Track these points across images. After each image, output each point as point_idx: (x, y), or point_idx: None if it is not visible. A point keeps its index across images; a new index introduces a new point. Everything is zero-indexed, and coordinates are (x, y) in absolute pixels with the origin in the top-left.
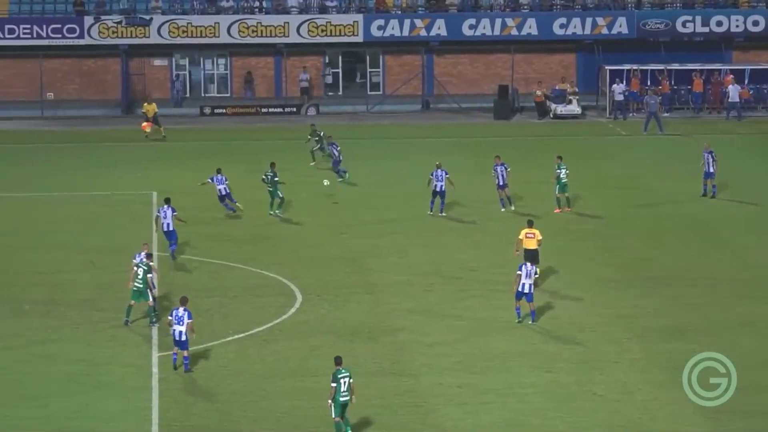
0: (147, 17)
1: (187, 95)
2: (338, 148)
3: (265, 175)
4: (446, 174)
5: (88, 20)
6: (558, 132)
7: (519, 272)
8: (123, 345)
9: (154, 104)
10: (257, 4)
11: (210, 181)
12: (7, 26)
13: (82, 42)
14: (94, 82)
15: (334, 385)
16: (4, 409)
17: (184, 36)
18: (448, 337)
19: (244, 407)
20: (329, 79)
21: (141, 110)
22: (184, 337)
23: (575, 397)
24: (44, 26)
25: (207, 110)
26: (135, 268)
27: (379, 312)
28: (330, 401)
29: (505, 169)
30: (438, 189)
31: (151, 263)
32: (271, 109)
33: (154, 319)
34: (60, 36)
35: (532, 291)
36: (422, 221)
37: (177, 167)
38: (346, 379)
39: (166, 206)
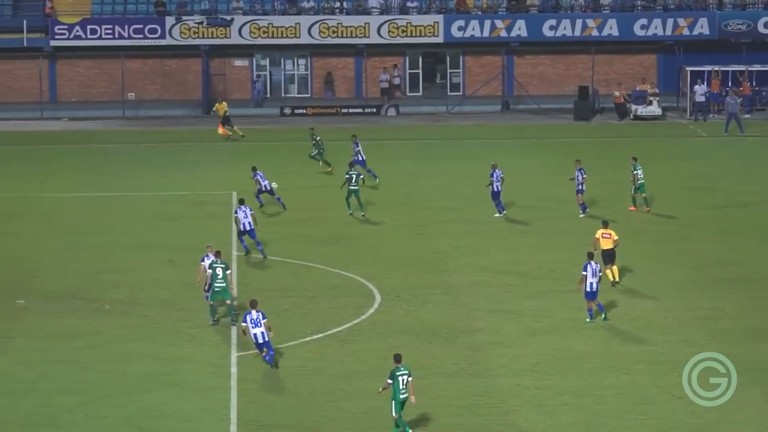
0: (228, 18)
1: (268, 96)
2: (357, 148)
3: (348, 175)
4: (501, 174)
5: (169, 21)
6: (638, 133)
7: (584, 272)
8: (202, 345)
9: (224, 103)
10: (338, 4)
11: (256, 178)
12: (89, 27)
13: (163, 42)
14: (175, 82)
15: (390, 381)
16: (84, 408)
17: (264, 36)
18: (526, 338)
19: (322, 407)
20: (397, 80)
21: (213, 109)
22: (266, 337)
23: (653, 399)
24: (126, 27)
25: (287, 111)
26: (209, 270)
27: (457, 313)
28: (381, 390)
29: (582, 174)
30: (495, 189)
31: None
32: (351, 110)
33: (234, 319)
34: (141, 36)
35: (598, 289)
36: (501, 222)
37: (258, 167)
38: (405, 377)
39: (243, 206)
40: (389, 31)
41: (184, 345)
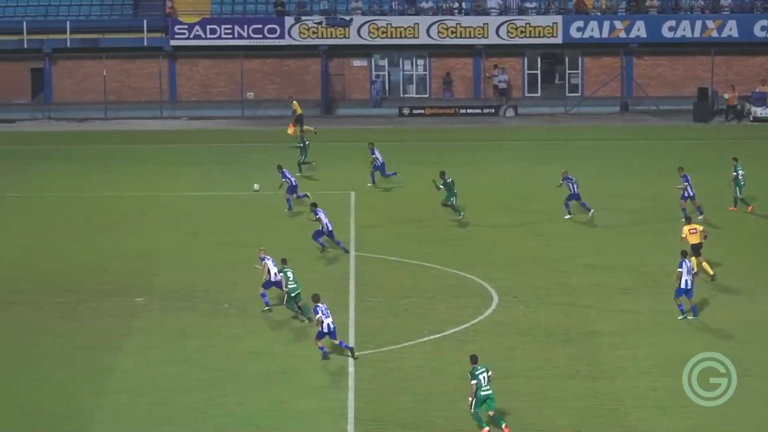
0: (347, 18)
1: (386, 96)
2: (374, 155)
3: (444, 180)
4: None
5: (288, 21)
6: (756, 134)
7: (680, 269)
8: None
9: (295, 102)
10: (456, 5)
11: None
12: (209, 26)
13: (282, 42)
14: (294, 82)
15: (474, 382)
16: (202, 406)
17: (383, 37)
18: (645, 340)
19: (440, 407)
20: (503, 84)
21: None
22: (333, 326)
23: None
24: (245, 27)
25: (405, 111)
26: (280, 274)
27: (574, 314)
28: (471, 399)
29: (686, 181)
30: (574, 191)
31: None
32: (469, 110)
33: (303, 317)
34: (261, 36)
35: (693, 287)
36: (620, 222)
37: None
38: (485, 374)
39: (319, 208)
40: (508, 32)
41: (302, 344)
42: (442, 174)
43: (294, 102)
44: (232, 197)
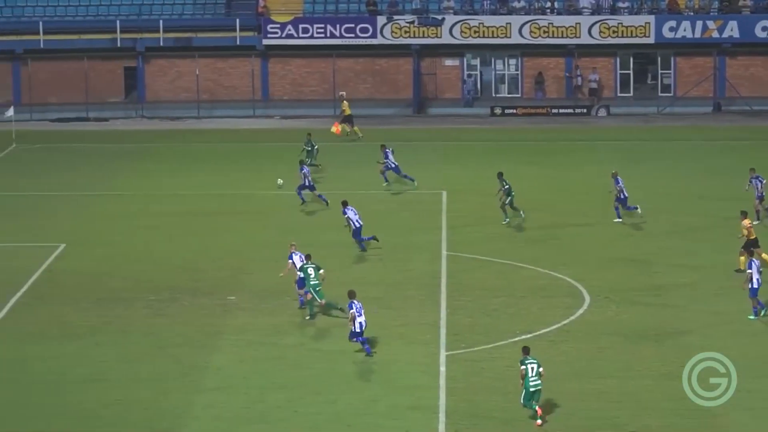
0: (439, 17)
1: (478, 95)
2: (388, 158)
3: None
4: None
5: (380, 20)
6: None
7: (749, 270)
8: (411, 343)
9: (346, 102)
10: (549, 4)
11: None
12: (301, 26)
13: (374, 42)
14: (386, 81)
15: (523, 368)
16: (293, 404)
17: (475, 36)
18: (736, 341)
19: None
20: (579, 81)
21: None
22: (364, 325)
23: None
24: (337, 26)
25: (497, 110)
26: (300, 272)
27: (666, 314)
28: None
29: (761, 182)
30: (623, 196)
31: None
32: (561, 110)
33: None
34: (353, 36)
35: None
36: (712, 223)
37: (467, 167)
38: (534, 366)
39: (350, 206)
40: (600, 32)
41: (393, 343)
42: (500, 175)
43: (345, 102)
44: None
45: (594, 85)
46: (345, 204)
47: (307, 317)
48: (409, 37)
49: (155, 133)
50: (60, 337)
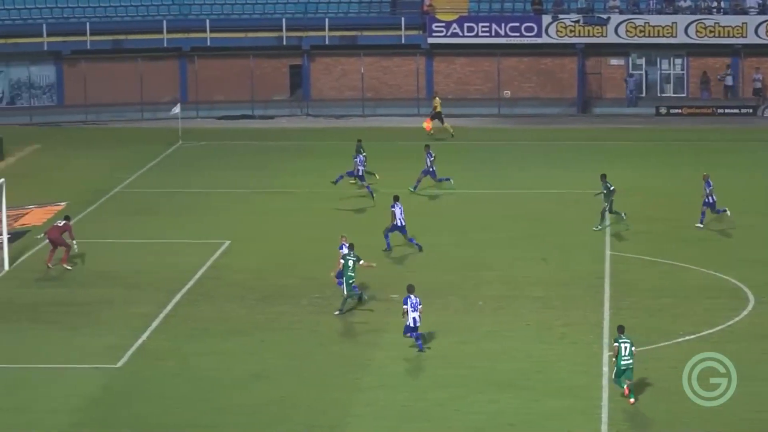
0: (604, 17)
1: (642, 95)
2: (432, 158)
3: (605, 187)
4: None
5: (545, 19)
6: None
7: None
8: (573, 343)
9: (438, 99)
10: (715, 4)
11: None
12: (466, 24)
13: (539, 41)
14: (550, 80)
15: (616, 345)
16: (455, 403)
17: (641, 36)
18: None
19: (692, 409)
20: (729, 80)
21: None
22: (420, 323)
23: None
24: (503, 25)
25: (663, 110)
26: (341, 261)
27: None
28: (613, 359)
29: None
30: (711, 201)
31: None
32: (726, 110)
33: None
34: (518, 35)
35: None
36: None
37: (631, 167)
38: (627, 345)
39: (398, 203)
40: (767, 32)
41: (555, 343)
42: (603, 177)
43: (437, 98)
44: (489, 195)
45: (758, 85)
46: (396, 199)
47: (336, 312)
48: (574, 36)
49: (319, 131)
50: (224, 334)
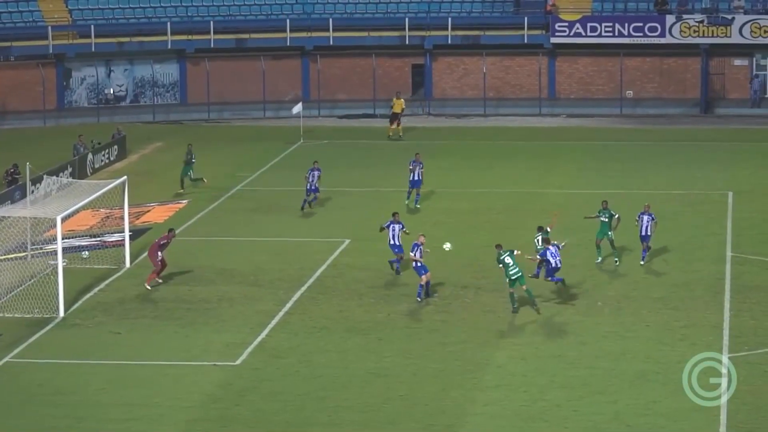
0: (729, 17)
1: (766, 95)
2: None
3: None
4: None
5: (669, 19)
6: None
7: None
8: (693, 344)
9: (402, 100)
10: None
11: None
12: (589, 24)
13: (663, 41)
14: (673, 81)
15: (501, 266)
16: (573, 404)
17: (765, 36)
18: None
19: None
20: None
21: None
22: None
23: None
24: (626, 25)
25: None
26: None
27: None
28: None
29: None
30: None
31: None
32: None
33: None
34: (641, 35)
35: None
36: None
37: (754, 168)
38: (509, 257)
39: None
40: None
41: (676, 344)
42: (605, 204)
43: (401, 100)
44: (611, 195)
45: None
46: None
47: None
48: (698, 36)
49: (441, 130)
50: (343, 332)
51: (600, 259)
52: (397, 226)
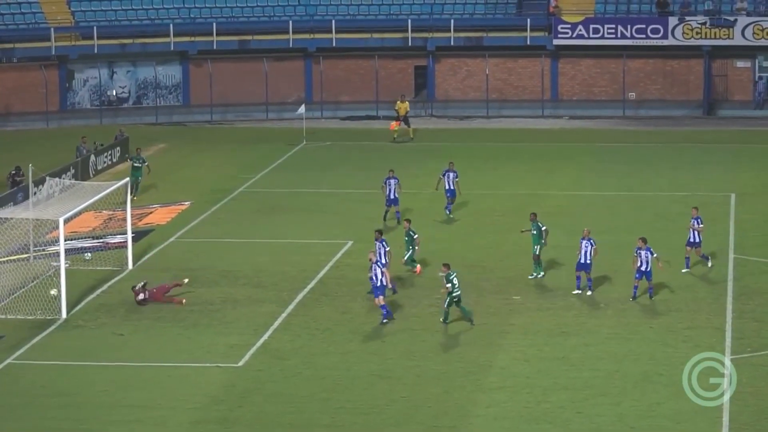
0: (731, 19)
1: None
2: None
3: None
4: None
5: (672, 21)
6: None
7: None
8: (696, 346)
9: (407, 103)
10: None
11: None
12: (592, 26)
13: (665, 43)
14: (676, 82)
15: (449, 285)
16: (577, 405)
17: None
18: None
19: None
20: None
21: (394, 107)
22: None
23: None
24: (628, 26)
25: None
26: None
27: None
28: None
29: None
30: None
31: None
32: None
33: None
34: (644, 36)
35: None
36: None
37: (757, 170)
38: (453, 277)
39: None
40: None
41: (678, 346)
42: (534, 216)
43: (406, 103)
44: (613, 197)
45: None
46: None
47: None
48: (701, 38)
49: (444, 132)
50: (346, 333)
51: (535, 275)
52: (379, 245)
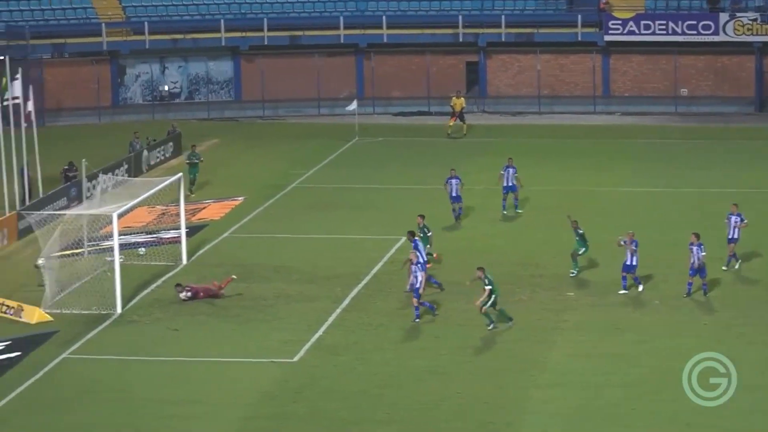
0: None
1: None
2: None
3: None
4: None
5: (723, 17)
6: None
7: None
8: (751, 343)
9: (462, 99)
10: None
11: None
12: (642, 22)
13: (716, 39)
14: (728, 79)
15: (489, 287)
16: (631, 403)
17: None
18: None
19: None
20: None
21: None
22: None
23: None
24: (679, 23)
25: None
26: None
27: None
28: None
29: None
30: None
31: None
32: None
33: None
34: (695, 32)
35: None
36: None
37: None
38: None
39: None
40: None
41: (732, 343)
42: (575, 224)
43: (461, 99)
44: (665, 194)
45: None
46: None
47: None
48: (752, 34)
49: (496, 128)
50: (399, 329)
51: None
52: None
